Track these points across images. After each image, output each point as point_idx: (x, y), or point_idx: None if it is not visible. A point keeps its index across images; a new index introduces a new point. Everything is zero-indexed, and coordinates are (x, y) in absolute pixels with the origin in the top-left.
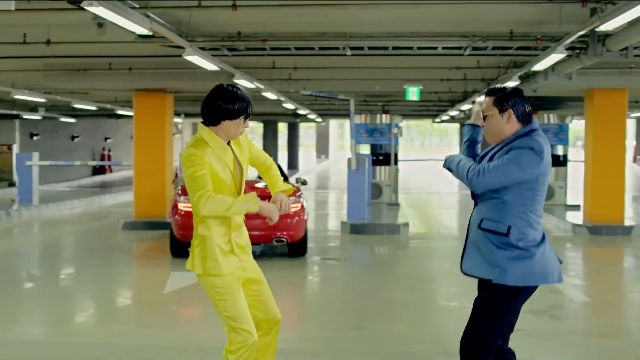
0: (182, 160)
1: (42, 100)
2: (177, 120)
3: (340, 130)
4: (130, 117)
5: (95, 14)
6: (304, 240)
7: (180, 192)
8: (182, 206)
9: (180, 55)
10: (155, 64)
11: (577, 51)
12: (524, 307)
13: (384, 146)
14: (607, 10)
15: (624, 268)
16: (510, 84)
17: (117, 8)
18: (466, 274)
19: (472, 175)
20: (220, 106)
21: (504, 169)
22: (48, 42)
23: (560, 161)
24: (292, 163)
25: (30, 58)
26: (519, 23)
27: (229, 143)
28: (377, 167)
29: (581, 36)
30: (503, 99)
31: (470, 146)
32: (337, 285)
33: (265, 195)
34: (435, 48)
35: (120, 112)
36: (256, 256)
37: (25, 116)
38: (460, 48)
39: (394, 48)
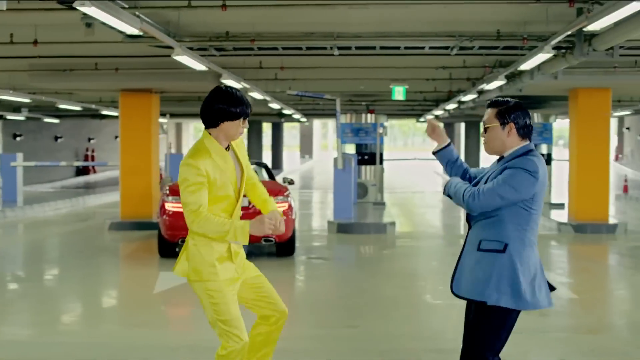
0: (180, 169)
1: (26, 100)
2: (162, 120)
3: (323, 129)
4: (114, 117)
5: (84, 14)
6: (292, 240)
7: (168, 192)
8: (170, 206)
9: (167, 56)
10: (141, 64)
11: (563, 51)
12: None
13: (369, 146)
14: (595, 10)
15: (609, 265)
16: (496, 83)
17: (109, 8)
18: (457, 296)
19: (467, 198)
20: (220, 108)
21: (498, 190)
22: (35, 42)
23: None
24: (276, 163)
25: (15, 58)
26: (505, 23)
27: (228, 147)
28: (363, 167)
29: (567, 36)
30: (505, 112)
31: (452, 167)
32: (327, 284)
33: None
34: (423, 48)
35: (104, 112)
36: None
37: (9, 117)
38: (447, 48)
39: (382, 48)
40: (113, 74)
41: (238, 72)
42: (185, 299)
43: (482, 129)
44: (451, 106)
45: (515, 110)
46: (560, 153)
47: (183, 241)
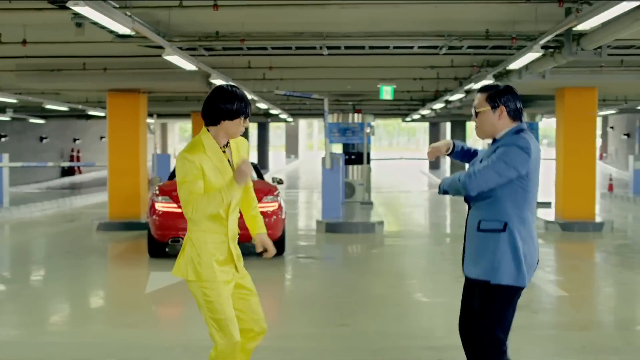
0: (177, 163)
1: (13, 101)
2: (150, 120)
3: (309, 129)
4: (99, 117)
5: (75, 14)
6: (282, 239)
7: (157, 192)
8: (160, 206)
9: (156, 56)
10: (129, 64)
11: (551, 50)
12: None
13: (356, 145)
14: (585, 10)
15: (597, 263)
16: (484, 82)
17: (102, 8)
18: (468, 277)
19: (464, 179)
20: (220, 107)
21: (493, 167)
22: (24, 42)
23: None
24: (262, 163)
25: (3, 58)
26: (494, 22)
27: (227, 144)
28: (350, 166)
29: (556, 35)
30: (496, 96)
31: (469, 159)
32: (317, 283)
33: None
34: (412, 47)
35: (91, 112)
36: None
37: None
38: (436, 47)
39: (371, 47)
40: (101, 74)
41: (227, 72)
42: (177, 299)
43: (473, 114)
44: (438, 105)
45: (505, 94)
46: (545, 152)
47: (173, 241)
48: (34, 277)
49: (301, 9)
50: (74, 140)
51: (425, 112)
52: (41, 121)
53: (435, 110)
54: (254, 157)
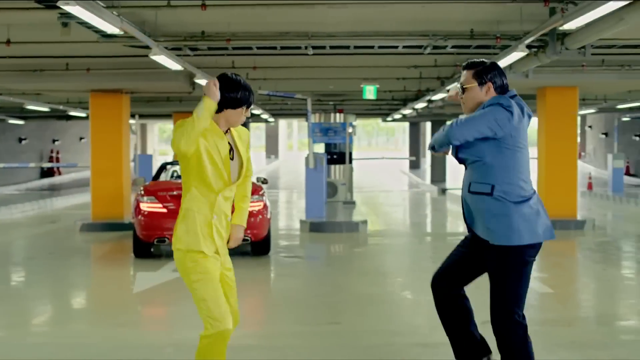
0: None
1: None
2: (131, 121)
3: (288, 129)
4: (79, 118)
5: (61, 14)
6: (267, 239)
7: (142, 192)
8: (145, 206)
9: (140, 56)
10: (113, 64)
11: (535, 50)
12: None
13: (338, 145)
14: (571, 9)
15: (580, 260)
16: None
17: (92, 7)
18: (475, 233)
19: (447, 128)
20: (224, 95)
21: (476, 118)
22: (8, 42)
23: None
24: None
25: None
26: (479, 22)
27: (227, 131)
28: (332, 166)
29: (539, 35)
30: (482, 72)
31: None
32: (304, 282)
33: None
34: (396, 47)
35: (72, 113)
36: None
37: None
38: (420, 47)
39: (356, 47)
40: (84, 74)
41: (211, 72)
42: (166, 299)
43: (459, 90)
44: (420, 105)
45: (492, 70)
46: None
47: (159, 241)
48: (18, 278)
49: (289, 9)
50: (53, 141)
51: (407, 111)
52: (20, 122)
53: (416, 109)
54: None
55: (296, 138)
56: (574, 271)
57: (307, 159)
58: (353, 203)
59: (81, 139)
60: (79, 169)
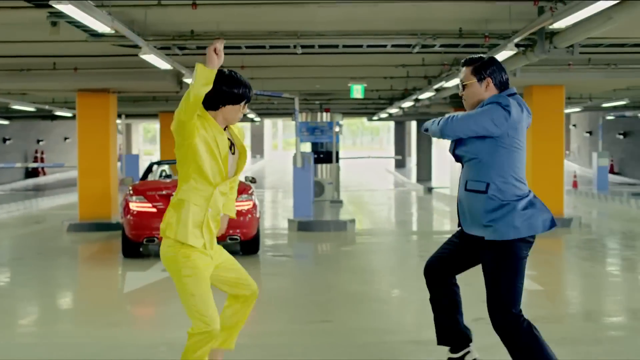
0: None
1: None
2: (118, 121)
3: (273, 129)
4: (64, 118)
5: (51, 12)
6: (256, 238)
7: (131, 192)
8: (134, 206)
9: (128, 55)
10: (100, 64)
11: (523, 48)
12: (484, 296)
13: (325, 144)
14: (561, 8)
15: (568, 258)
16: (457, 80)
17: (84, 6)
18: (468, 234)
19: (442, 123)
20: (224, 91)
21: (472, 116)
22: None
23: None
24: None
25: None
26: (468, 21)
27: (225, 128)
28: (319, 165)
29: (529, 33)
30: (481, 68)
31: None
32: (294, 281)
33: None
34: (385, 46)
35: (58, 113)
36: None
37: None
38: (408, 46)
39: (344, 46)
40: (72, 73)
41: None
42: (157, 298)
43: (460, 87)
44: (407, 104)
45: (491, 65)
46: None
47: (148, 241)
48: (6, 278)
49: (279, 7)
50: (38, 141)
51: (393, 110)
52: (4, 122)
53: (403, 108)
54: None
55: (281, 138)
56: (563, 268)
57: (294, 158)
58: (340, 202)
59: (66, 139)
60: (63, 169)
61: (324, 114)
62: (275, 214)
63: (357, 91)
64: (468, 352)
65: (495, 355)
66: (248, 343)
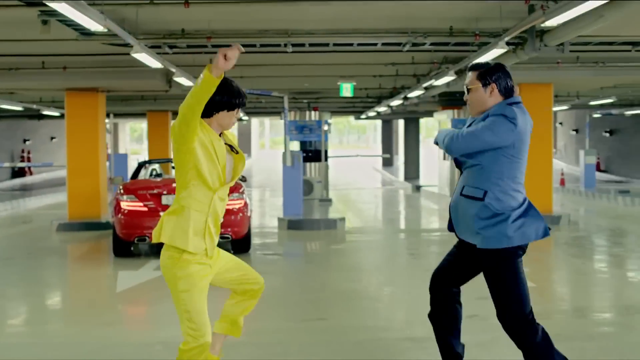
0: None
1: None
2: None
3: (260, 128)
4: (50, 117)
5: (42, 11)
6: (247, 237)
7: (122, 191)
8: (125, 205)
9: (118, 54)
10: (89, 62)
11: (514, 47)
12: (478, 293)
13: (314, 143)
14: (552, 6)
15: (559, 255)
16: (447, 78)
17: (79, 5)
18: (460, 238)
19: (448, 140)
20: (215, 98)
21: (477, 133)
22: None
23: None
24: None
25: None
26: (459, 19)
27: (221, 134)
28: (307, 164)
29: (520, 31)
30: (486, 74)
31: None
32: (287, 279)
33: None
34: (375, 44)
35: (45, 112)
36: None
37: None
38: (399, 44)
39: (335, 45)
40: (61, 72)
41: (188, 70)
42: (150, 297)
43: (465, 91)
44: (396, 102)
45: (496, 72)
46: None
47: (139, 240)
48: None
49: (270, 6)
50: (24, 141)
51: (382, 109)
52: None
53: (391, 107)
54: None
55: (268, 137)
56: (554, 266)
57: (284, 156)
58: (329, 200)
59: (52, 138)
60: (50, 169)
61: (313, 112)
62: (265, 212)
63: (347, 90)
64: None
65: (491, 351)
66: (244, 341)
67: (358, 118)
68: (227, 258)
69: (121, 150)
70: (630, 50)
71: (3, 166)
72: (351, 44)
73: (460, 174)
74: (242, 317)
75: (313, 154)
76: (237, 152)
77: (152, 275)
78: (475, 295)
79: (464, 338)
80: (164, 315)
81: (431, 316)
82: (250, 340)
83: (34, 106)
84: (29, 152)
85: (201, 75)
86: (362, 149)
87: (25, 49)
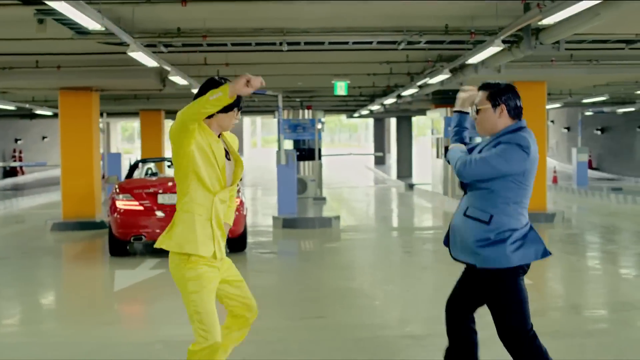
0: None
1: None
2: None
3: (252, 127)
4: (42, 117)
5: (38, 10)
6: (243, 235)
7: (118, 190)
8: (121, 204)
9: (112, 53)
10: (83, 61)
11: (509, 45)
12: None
13: (307, 141)
14: (549, 5)
15: (554, 252)
16: (441, 77)
17: (78, 4)
18: (455, 259)
19: (460, 165)
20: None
21: (490, 161)
22: None
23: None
24: None
25: None
26: (454, 17)
27: (219, 135)
28: (301, 162)
29: (516, 30)
30: (497, 94)
31: (458, 132)
32: (284, 278)
33: None
34: (371, 43)
35: (38, 111)
36: None
37: None
38: (394, 43)
39: (330, 43)
40: (55, 71)
41: (182, 69)
42: (148, 296)
43: (474, 111)
44: (389, 101)
45: (506, 93)
46: None
47: (135, 239)
48: None
49: (267, 5)
50: (16, 140)
51: (375, 107)
52: None
53: (384, 105)
54: None
55: (260, 135)
56: (550, 263)
57: (278, 155)
58: (323, 199)
59: (44, 138)
60: (42, 168)
61: (306, 111)
62: (258, 211)
63: (341, 88)
64: None
65: (491, 348)
66: (244, 339)
67: (350, 116)
68: (235, 272)
69: (113, 150)
70: (623, 48)
71: None
72: (346, 43)
73: (464, 194)
74: (232, 347)
75: (306, 152)
76: (230, 159)
77: (148, 275)
78: None
79: None
80: (162, 314)
81: (448, 351)
82: (251, 338)
83: (27, 105)
84: (20, 152)
85: (218, 92)
86: (354, 147)
87: (20, 48)
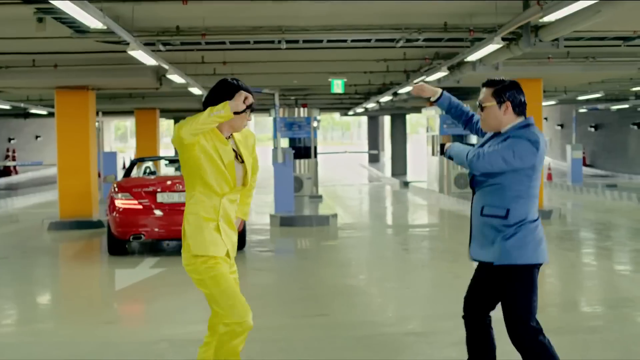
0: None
1: None
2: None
3: None
4: (36, 116)
5: (38, 9)
6: (242, 234)
7: (116, 189)
8: (120, 203)
9: (108, 51)
10: (80, 60)
11: (508, 42)
12: None
13: (303, 139)
14: (551, 2)
15: (552, 249)
16: (439, 74)
17: (81, 3)
18: (474, 259)
19: (471, 157)
20: (226, 100)
21: (502, 154)
22: None
23: None
24: None
25: None
26: (453, 15)
27: (229, 136)
28: (297, 160)
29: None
30: (502, 91)
31: (455, 111)
32: (284, 276)
33: None
34: (369, 40)
35: (33, 110)
36: None
37: None
38: (392, 40)
39: (329, 41)
40: (52, 70)
41: (180, 67)
42: (149, 295)
43: (478, 107)
44: (385, 98)
45: (511, 89)
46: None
47: (134, 238)
48: None
49: (266, 3)
50: (9, 140)
51: (370, 105)
52: None
53: (380, 103)
54: None
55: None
56: (551, 260)
57: (274, 153)
58: (319, 197)
59: (37, 137)
60: (36, 167)
61: (302, 109)
62: (253, 209)
63: (338, 86)
64: None
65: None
66: (248, 337)
67: (344, 114)
68: (236, 279)
69: (106, 149)
70: (620, 45)
71: None
72: (345, 40)
73: (473, 194)
74: None
75: (302, 150)
76: (242, 161)
77: (149, 273)
78: None
79: (463, 333)
80: (164, 313)
81: (468, 341)
82: (254, 337)
83: (22, 104)
84: (13, 151)
85: (220, 110)
86: (347, 145)
87: (17, 46)
